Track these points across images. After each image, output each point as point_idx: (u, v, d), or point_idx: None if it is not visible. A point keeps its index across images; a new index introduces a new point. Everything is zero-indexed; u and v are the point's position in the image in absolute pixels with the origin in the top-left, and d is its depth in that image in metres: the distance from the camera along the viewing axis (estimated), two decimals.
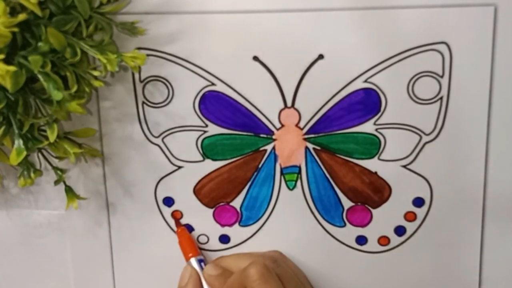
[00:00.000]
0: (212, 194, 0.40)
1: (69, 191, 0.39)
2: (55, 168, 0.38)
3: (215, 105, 0.38)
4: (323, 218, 0.40)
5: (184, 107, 0.38)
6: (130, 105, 0.39)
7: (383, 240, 0.40)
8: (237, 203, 0.40)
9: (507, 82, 0.36)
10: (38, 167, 0.39)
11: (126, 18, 0.36)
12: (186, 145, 0.39)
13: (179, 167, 0.40)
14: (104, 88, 0.38)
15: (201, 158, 0.39)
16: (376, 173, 0.38)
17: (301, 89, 0.37)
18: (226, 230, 0.41)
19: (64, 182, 0.39)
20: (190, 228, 0.41)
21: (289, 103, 0.37)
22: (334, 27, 0.36)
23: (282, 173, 0.39)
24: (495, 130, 0.37)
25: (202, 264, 0.40)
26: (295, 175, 0.39)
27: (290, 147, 0.38)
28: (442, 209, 0.38)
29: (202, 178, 0.40)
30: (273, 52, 0.36)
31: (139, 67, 0.38)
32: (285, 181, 0.39)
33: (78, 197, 0.39)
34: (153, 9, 0.36)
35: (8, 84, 0.31)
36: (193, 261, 0.39)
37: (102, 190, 0.41)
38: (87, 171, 0.40)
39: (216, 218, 0.40)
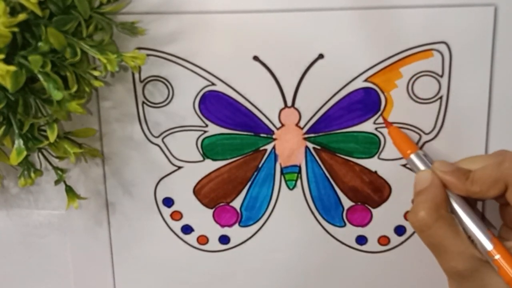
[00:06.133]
0: (212, 194, 0.40)
1: (69, 191, 0.39)
2: (56, 168, 0.38)
3: (215, 105, 0.38)
4: (323, 218, 0.40)
5: (184, 107, 0.38)
6: (130, 105, 0.39)
7: (383, 240, 0.40)
8: (237, 203, 0.40)
9: (507, 82, 0.36)
10: (38, 167, 0.39)
11: (126, 18, 0.36)
12: (186, 145, 0.39)
13: (179, 167, 0.40)
14: (104, 88, 0.38)
15: (201, 158, 0.39)
16: (376, 172, 0.38)
17: (301, 89, 0.37)
18: (226, 231, 0.41)
19: (65, 182, 0.39)
20: (189, 229, 0.41)
21: (289, 103, 0.37)
22: (334, 27, 0.36)
23: (282, 173, 0.39)
24: (494, 130, 0.37)
25: (426, 159, 0.35)
26: (295, 174, 0.39)
27: (290, 146, 0.38)
28: None
29: (202, 178, 0.40)
30: (273, 52, 0.36)
31: (139, 67, 0.38)
32: (285, 181, 0.39)
33: (78, 197, 0.39)
34: (153, 9, 0.36)
35: (8, 84, 0.31)
36: (415, 158, 0.35)
37: (102, 190, 0.41)
38: (87, 171, 0.40)
39: (216, 218, 0.40)
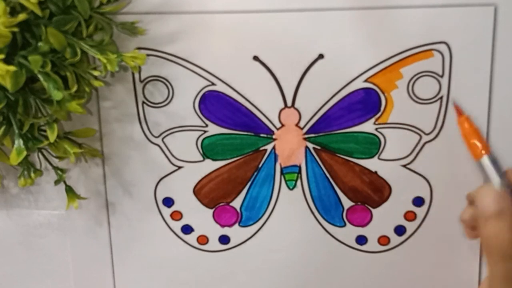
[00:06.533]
0: (212, 194, 0.40)
1: (69, 191, 0.39)
2: (56, 168, 0.38)
3: (215, 105, 0.38)
4: (323, 218, 0.40)
5: (184, 107, 0.38)
6: (130, 105, 0.39)
7: (383, 240, 0.40)
8: (237, 203, 0.40)
9: (507, 82, 0.36)
10: (38, 167, 0.39)
11: (126, 18, 0.36)
12: (186, 145, 0.39)
13: (179, 167, 0.40)
14: (104, 88, 0.38)
15: (201, 158, 0.39)
16: (376, 172, 0.38)
17: (301, 89, 0.37)
18: (226, 231, 0.41)
19: (65, 182, 0.39)
20: (189, 229, 0.41)
21: (289, 103, 0.37)
22: (334, 27, 0.36)
23: (282, 173, 0.39)
24: (494, 130, 0.37)
25: (497, 165, 0.30)
26: (295, 174, 0.39)
27: (290, 146, 0.38)
28: (442, 209, 0.38)
29: (202, 178, 0.40)
30: (273, 52, 0.36)
31: (139, 67, 0.38)
32: (285, 181, 0.39)
33: (78, 197, 0.39)
34: (153, 9, 0.36)
35: (8, 84, 0.31)
36: (487, 161, 0.30)
37: (102, 190, 0.41)
38: (87, 171, 0.40)
39: (216, 218, 0.40)
